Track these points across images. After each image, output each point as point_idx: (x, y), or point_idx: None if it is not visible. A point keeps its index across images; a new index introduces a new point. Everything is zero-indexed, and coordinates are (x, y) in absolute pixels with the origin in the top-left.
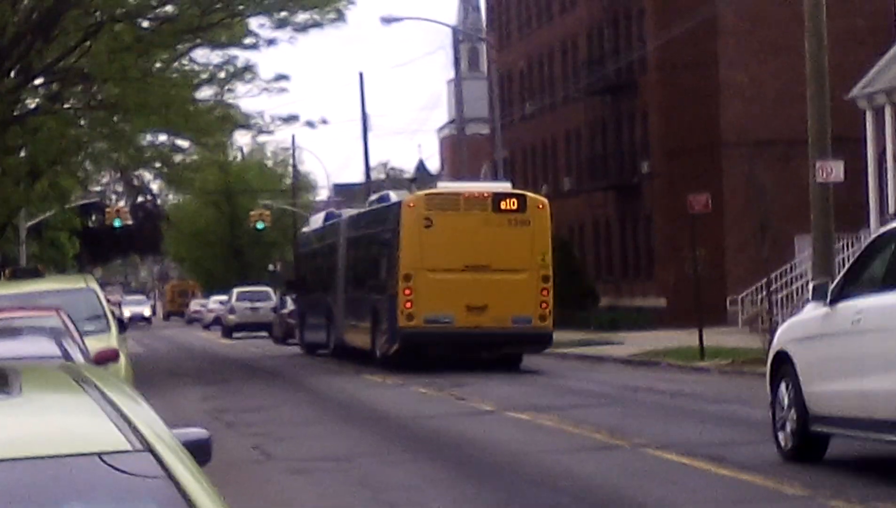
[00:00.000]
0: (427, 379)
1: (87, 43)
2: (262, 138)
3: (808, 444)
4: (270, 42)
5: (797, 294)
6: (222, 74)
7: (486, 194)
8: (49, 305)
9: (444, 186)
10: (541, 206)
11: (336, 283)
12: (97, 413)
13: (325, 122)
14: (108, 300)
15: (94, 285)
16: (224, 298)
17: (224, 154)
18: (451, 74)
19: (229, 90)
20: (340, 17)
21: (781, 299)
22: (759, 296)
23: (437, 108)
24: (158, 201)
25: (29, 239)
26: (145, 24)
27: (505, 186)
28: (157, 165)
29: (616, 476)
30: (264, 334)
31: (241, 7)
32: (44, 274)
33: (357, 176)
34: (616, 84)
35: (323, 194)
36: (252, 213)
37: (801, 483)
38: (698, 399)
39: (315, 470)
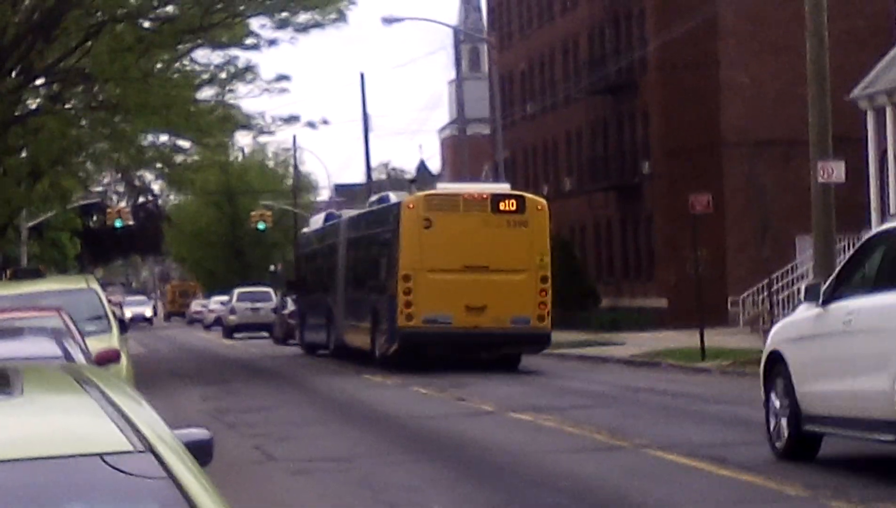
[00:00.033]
0: (427, 380)
1: (89, 43)
2: (263, 139)
3: (802, 443)
4: (271, 42)
5: (798, 295)
6: (223, 75)
7: (485, 196)
8: (50, 305)
9: (444, 187)
10: (539, 207)
11: (336, 283)
12: (99, 414)
13: (326, 122)
14: (110, 301)
15: (96, 286)
16: (225, 298)
17: (225, 155)
18: (453, 75)
19: (230, 91)
20: (341, 17)
21: (783, 299)
22: (761, 296)
23: (438, 108)
24: (159, 202)
25: (30, 239)
26: (146, 24)
27: (504, 188)
28: (159, 165)
29: (617, 477)
30: (265, 334)
31: (242, 7)
32: (45, 275)
33: (358, 176)
34: (617, 84)
35: (324, 195)
36: (253, 213)
37: (802, 484)
38: (699, 400)
39: (316, 471)
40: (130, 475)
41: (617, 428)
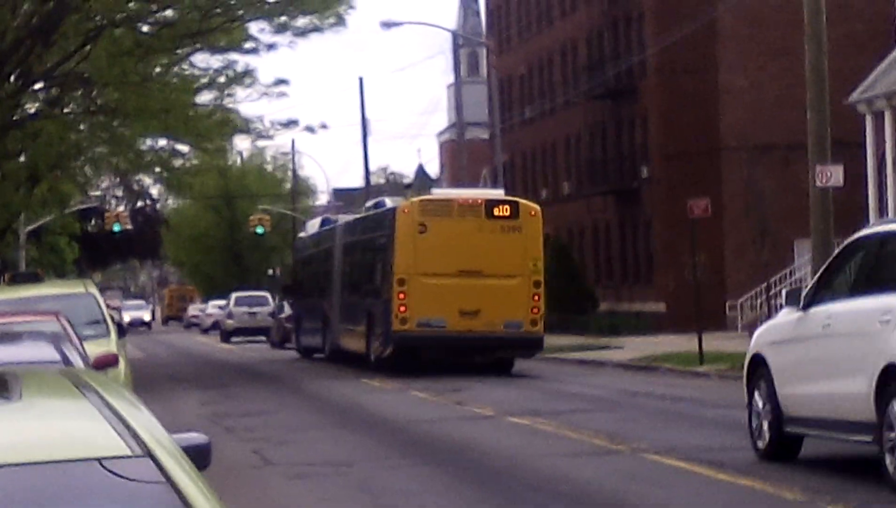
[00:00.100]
0: (425, 384)
1: (87, 47)
2: (261, 143)
3: (783, 444)
4: (270, 47)
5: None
6: (222, 79)
7: (479, 201)
8: (49, 310)
9: (439, 192)
10: (533, 213)
11: (332, 287)
12: (97, 419)
13: (324, 126)
14: (108, 305)
15: (94, 290)
16: (223, 303)
17: (224, 159)
18: (451, 79)
19: (229, 95)
20: (340, 21)
21: (781, 303)
22: (759, 301)
23: (436, 112)
24: (158, 206)
25: (28, 244)
26: (145, 28)
27: (498, 193)
28: (157, 169)
29: (615, 481)
30: (262, 338)
31: (240, 12)
32: (43, 279)
33: (357, 181)
34: (616, 88)
35: (323, 199)
36: (252, 217)
37: (800, 488)
38: (697, 404)
39: (314, 475)
40: (129, 479)
41: (615, 432)
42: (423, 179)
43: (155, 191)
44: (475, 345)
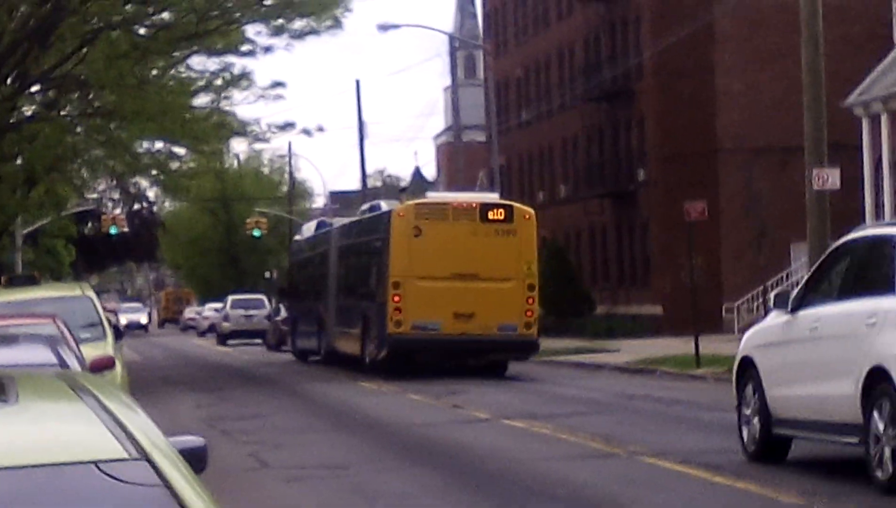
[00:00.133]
0: (422, 387)
1: (84, 50)
2: (258, 146)
3: (771, 446)
4: (267, 49)
5: None
6: (219, 82)
7: (473, 205)
8: (45, 312)
9: (433, 196)
10: (527, 216)
11: (327, 290)
12: (93, 422)
13: (321, 129)
14: (105, 308)
15: (91, 293)
16: (219, 305)
17: (220, 162)
18: (448, 82)
19: (226, 97)
20: (337, 24)
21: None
22: (756, 303)
23: (433, 115)
24: (155, 209)
25: (25, 246)
26: (142, 31)
27: (492, 197)
28: (154, 172)
29: (612, 484)
30: (258, 341)
31: (237, 14)
32: (40, 282)
33: (353, 183)
34: (612, 91)
35: (319, 202)
36: (248, 220)
37: (797, 491)
38: (694, 407)
39: (311, 478)
40: (125, 482)
41: (612, 435)
42: (419, 182)
43: (151, 194)
44: (470, 348)
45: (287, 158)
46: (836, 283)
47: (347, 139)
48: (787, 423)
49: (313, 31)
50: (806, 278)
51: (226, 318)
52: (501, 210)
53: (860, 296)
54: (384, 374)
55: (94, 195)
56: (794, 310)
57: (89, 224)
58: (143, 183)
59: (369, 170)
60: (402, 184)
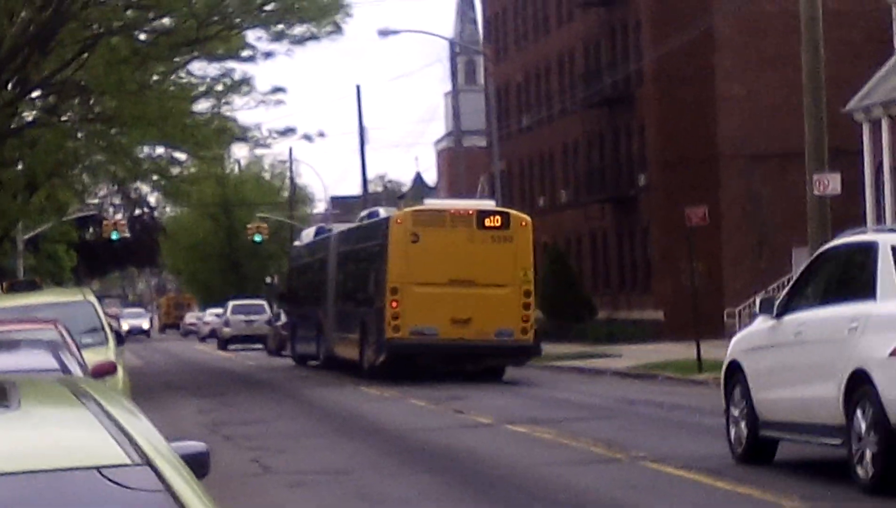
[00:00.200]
0: (424, 392)
1: (85, 56)
2: (259, 151)
3: (758, 448)
4: (268, 55)
5: None
6: (219, 87)
7: (470, 212)
8: (47, 318)
9: (431, 203)
10: (524, 223)
11: (326, 296)
12: (96, 427)
13: (322, 134)
14: (106, 313)
15: (92, 298)
16: (220, 311)
17: (221, 167)
18: (449, 87)
19: (226, 103)
20: (338, 29)
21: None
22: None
23: (434, 120)
24: (156, 214)
25: (26, 252)
26: (142, 36)
27: (489, 204)
28: (155, 177)
29: (614, 489)
30: (259, 346)
31: (238, 20)
32: (41, 287)
33: (354, 189)
34: (613, 97)
35: (320, 207)
36: (249, 226)
37: (799, 496)
38: (696, 412)
39: (313, 483)
40: (128, 488)
41: (613, 441)
42: (420, 188)
43: (153, 199)
44: (467, 353)
45: (288, 164)
46: (820, 288)
47: (348, 144)
48: (773, 425)
49: (314, 37)
50: (791, 283)
51: (226, 323)
52: (498, 217)
53: (843, 301)
54: (385, 379)
55: (96, 200)
56: (779, 315)
57: (90, 229)
58: (145, 188)
59: (370, 175)
60: (403, 189)
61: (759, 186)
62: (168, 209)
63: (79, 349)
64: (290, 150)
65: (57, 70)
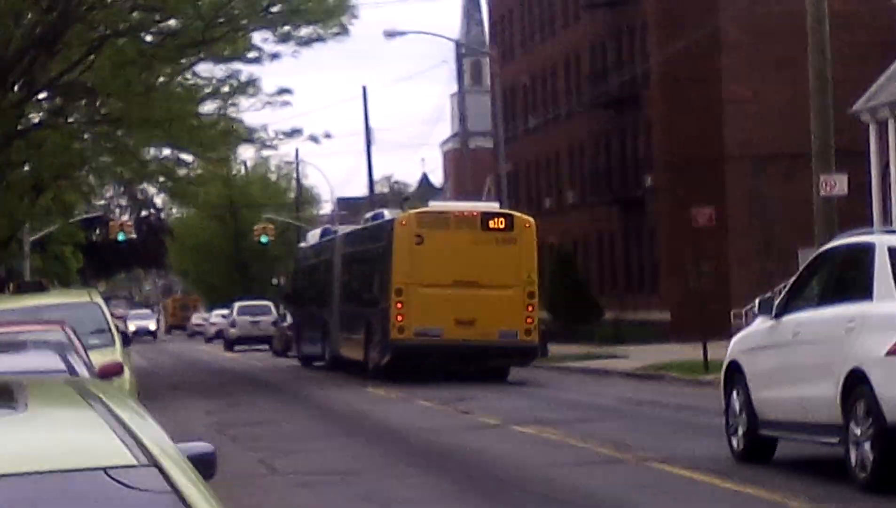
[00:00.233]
0: (431, 393)
1: (91, 57)
2: (265, 152)
3: (758, 447)
4: (274, 56)
5: None
6: (226, 88)
7: (474, 214)
8: (53, 319)
9: (436, 205)
10: (527, 225)
11: (332, 297)
12: (103, 428)
13: (328, 136)
14: (113, 314)
15: (99, 299)
16: (226, 312)
17: (228, 168)
18: (455, 88)
19: (233, 104)
20: (343, 31)
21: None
22: None
23: (440, 122)
24: (162, 215)
25: (33, 253)
26: (148, 38)
27: (493, 206)
28: (161, 179)
29: (621, 490)
30: (265, 346)
31: (244, 21)
32: (48, 288)
33: (361, 190)
34: (619, 98)
35: (327, 208)
36: (256, 227)
37: (806, 497)
38: (702, 413)
39: (320, 484)
40: (135, 489)
41: (620, 441)
42: (426, 189)
43: (159, 200)
44: (471, 353)
45: (294, 165)
46: (818, 289)
47: (354, 146)
48: (772, 424)
49: (320, 38)
50: (789, 284)
51: (233, 324)
52: (502, 219)
53: (840, 302)
54: (390, 380)
55: (102, 202)
56: (778, 316)
57: (97, 231)
58: (151, 190)
59: (376, 176)
60: (410, 190)
61: (766, 188)
62: (174, 211)
63: (85, 351)
64: (297, 151)
65: (63, 72)
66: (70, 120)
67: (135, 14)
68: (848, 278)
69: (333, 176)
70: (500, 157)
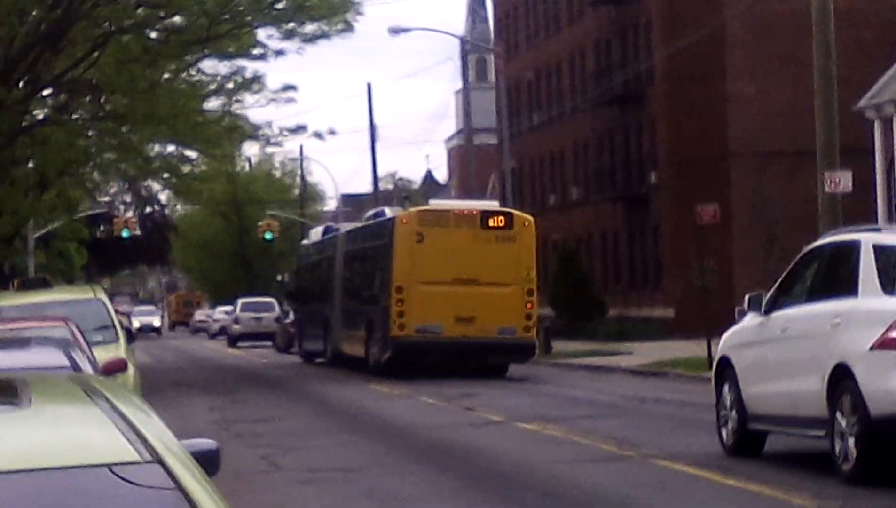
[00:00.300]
0: (434, 389)
1: (96, 54)
2: (270, 149)
3: (747, 441)
4: (278, 53)
5: None
6: (230, 85)
7: (474, 212)
8: (57, 315)
9: (436, 203)
10: (526, 223)
11: (333, 294)
12: (107, 425)
13: (333, 132)
14: (118, 311)
15: (103, 296)
16: (229, 308)
17: (232, 165)
18: (459, 85)
19: (237, 101)
20: (348, 27)
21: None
22: None
23: (445, 118)
24: (166, 212)
25: (37, 250)
26: (153, 35)
27: (493, 205)
28: (166, 175)
29: (624, 487)
30: (268, 343)
31: (248, 18)
32: (52, 285)
33: (365, 186)
34: (623, 95)
35: (331, 205)
36: (260, 223)
37: (809, 494)
38: (706, 410)
39: (323, 481)
40: (138, 485)
41: (624, 438)
42: (431, 186)
43: (163, 197)
44: (470, 350)
45: (299, 162)
46: (805, 286)
47: (359, 142)
48: (761, 418)
49: (324, 35)
50: (778, 281)
51: (236, 320)
52: (501, 217)
53: (826, 298)
54: (393, 376)
55: (106, 198)
56: (767, 312)
57: (101, 227)
58: (155, 186)
59: (381, 173)
60: (414, 187)
61: (770, 185)
62: (179, 207)
63: (89, 347)
64: (301, 147)
65: (68, 68)
66: (74, 116)
67: (139, 11)
68: (834, 276)
69: (338, 173)
70: (505, 153)
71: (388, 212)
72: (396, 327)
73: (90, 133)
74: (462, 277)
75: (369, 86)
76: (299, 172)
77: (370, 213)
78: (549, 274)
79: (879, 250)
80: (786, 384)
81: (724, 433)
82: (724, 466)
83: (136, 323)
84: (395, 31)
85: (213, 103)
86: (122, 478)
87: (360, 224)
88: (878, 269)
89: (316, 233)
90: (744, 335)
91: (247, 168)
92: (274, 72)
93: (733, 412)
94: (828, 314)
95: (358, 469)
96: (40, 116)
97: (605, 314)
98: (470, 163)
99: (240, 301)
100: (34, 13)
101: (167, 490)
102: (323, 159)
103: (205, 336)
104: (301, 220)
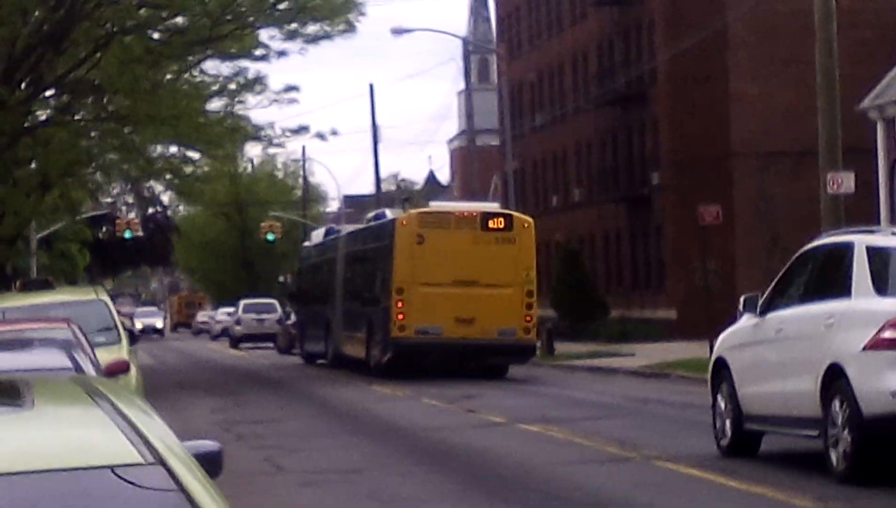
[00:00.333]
0: (437, 391)
1: (98, 55)
2: (272, 150)
3: (743, 441)
4: (281, 53)
5: None
6: (233, 86)
7: (475, 214)
8: (60, 317)
9: (436, 205)
10: (526, 225)
11: (334, 295)
12: (109, 426)
13: (335, 133)
14: (120, 312)
15: (105, 297)
16: (231, 309)
17: (234, 166)
18: (462, 86)
19: (240, 101)
20: (351, 28)
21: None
22: None
23: (447, 119)
24: (169, 213)
25: (39, 251)
26: (156, 35)
27: (493, 207)
28: (168, 176)
29: (626, 489)
30: (270, 344)
31: (251, 19)
32: (54, 286)
33: (368, 187)
34: (626, 95)
35: (333, 206)
36: (262, 225)
37: (812, 496)
38: (708, 411)
39: (325, 482)
40: (141, 487)
41: (626, 440)
42: (433, 186)
43: (166, 198)
44: (470, 351)
45: (301, 162)
46: (800, 287)
47: (361, 143)
48: (756, 419)
49: (327, 36)
50: (773, 283)
51: (238, 322)
52: (501, 219)
53: (820, 299)
54: (396, 378)
55: (109, 199)
56: (762, 313)
57: (104, 228)
58: (158, 187)
59: (383, 174)
60: (416, 188)
61: (773, 185)
62: (181, 208)
63: (92, 348)
64: (304, 148)
65: (70, 69)
66: (77, 117)
67: (142, 11)
68: (828, 277)
69: (340, 174)
70: (507, 154)
71: (389, 214)
72: (397, 328)
73: (93, 134)
74: (462, 278)
75: (372, 86)
76: (302, 173)
77: (371, 214)
78: (551, 275)
79: (872, 252)
80: (780, 385)
81: (719, 433)
82: (727, 467)
83: (138, 324)
84: (398, 31)
85: (215, 104)
86: (125, 480)
87: (360, 226)
88: (871, 270)
89: (317, 234)
90: (739, 336)
91: (249, 169)
92: (276, 73)
93: (729, 413)
94: (822, 315)
95: (360, 471)
96: (43, 117)
97: (608, 315)
98: (472, 164)
99: (242, 303)
100: (37, 14)
101: (169, 491)
102: (325, 160)
103: (207, 337)
104: (303, 221)
